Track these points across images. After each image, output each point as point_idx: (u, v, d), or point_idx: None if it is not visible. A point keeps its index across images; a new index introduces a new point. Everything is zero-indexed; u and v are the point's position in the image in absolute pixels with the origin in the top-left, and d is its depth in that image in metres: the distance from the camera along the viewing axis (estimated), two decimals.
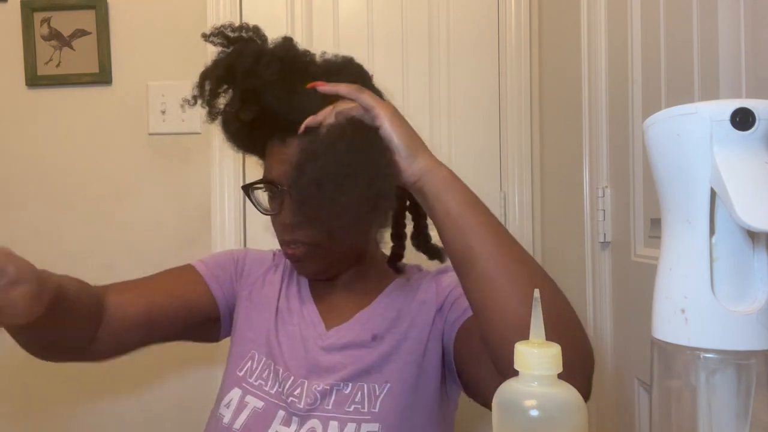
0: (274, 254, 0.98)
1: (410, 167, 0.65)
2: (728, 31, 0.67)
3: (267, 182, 0.82)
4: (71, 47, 1.55)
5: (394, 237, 0.88)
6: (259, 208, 0.86)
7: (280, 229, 0.83)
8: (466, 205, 0.63)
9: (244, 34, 0.80)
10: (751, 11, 0.64)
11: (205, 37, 0.80)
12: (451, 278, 0.85)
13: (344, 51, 0.88)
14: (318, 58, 0.85)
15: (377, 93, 0.85)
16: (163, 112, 1.51)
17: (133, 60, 1.54)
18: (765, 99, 0.36)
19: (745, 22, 0.65)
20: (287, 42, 0.81)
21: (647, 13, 0.90)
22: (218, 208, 1.49)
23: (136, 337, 0.82)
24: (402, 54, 1.50)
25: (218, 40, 0.80)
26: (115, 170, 1.56)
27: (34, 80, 1.55)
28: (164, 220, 1.55)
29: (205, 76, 0.80)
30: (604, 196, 1.06)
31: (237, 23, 0.82)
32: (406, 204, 0.85)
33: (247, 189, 0.85)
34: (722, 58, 0.68)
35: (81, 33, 1.55)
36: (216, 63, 0.79)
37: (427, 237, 0.86)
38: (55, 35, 1.55)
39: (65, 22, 1.54)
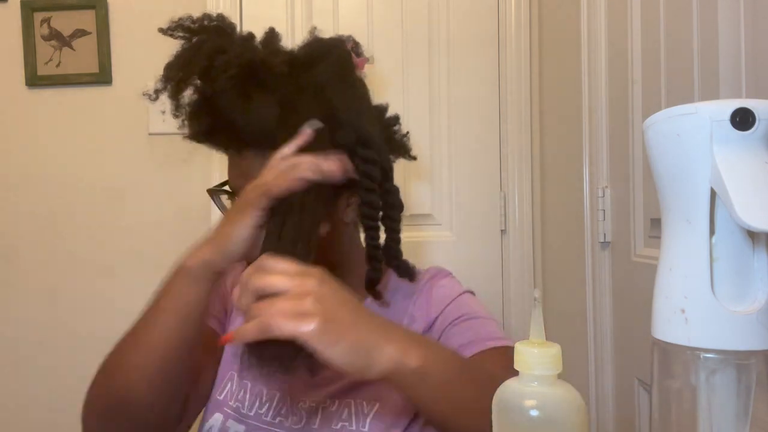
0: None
1: (368, 375, 0.52)
2: (728, 31, 0.67)
3: (228, 192, 0.77)
4: (71, 47, 1.55)
5: (369, 258, 0.75)
6: (223, 212, 0.80)
7: None
8: (442, 392, 0.55)
9: (206, 23, 0.74)
10: (751, 11, 0.64)
11: (163, 31, 0.74)
12: (443, 292, 0.79)
13: None
14: (308, 35, 0.78)
15: (362, 86, 0.77)
16: (163, 112, 1.50)
17: (133, 60, 1.54)
18: (765, 99, 0.36)
19: (745, 22, 0.65)
20: (248, 41, 0.74)
21: (647, 13, 0.90)
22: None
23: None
24: (402, 54, 1.50)
25: (179, 33, 0.74)
26: (115, 170, 1.56)
27: (34, 80, 1.55)
28: (164, 220, 1.55)
29: (167, 69, 0.74)
30: (604, 196, 1.06)
31: (197, 15, 0.75)
32: (379, 216, 0.75)
33: (213, 193, 0.80)
34: (722, 58, 0.68)
35: (81, 33, 1.55)
36: (177, 56, 0.74)
37: (398, 252, 0.77)
38: (55, 35, 1.55)
39: (65, 22, 1.54)
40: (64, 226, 1.57)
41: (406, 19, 1.50)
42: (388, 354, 0.52)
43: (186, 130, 0.77)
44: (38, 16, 1.54)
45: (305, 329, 0.49)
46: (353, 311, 0.53)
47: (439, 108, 1.50)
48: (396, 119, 0.89)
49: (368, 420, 0.73)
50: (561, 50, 1.31)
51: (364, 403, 0.74)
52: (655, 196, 0.41)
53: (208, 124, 0.73)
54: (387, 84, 1.48)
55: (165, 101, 0.76)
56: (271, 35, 0.76)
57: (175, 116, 0.76)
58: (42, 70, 1.55)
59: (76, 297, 1.56)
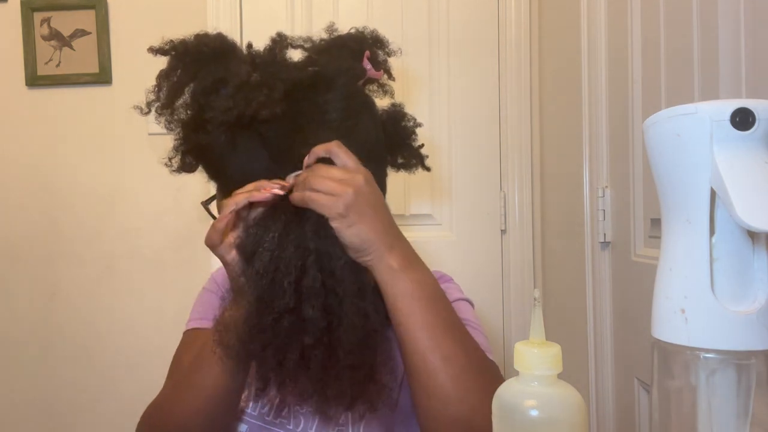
0: None
1: (360, 259, 0.61)
2: (728, 31, 0.67)
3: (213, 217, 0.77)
4: (71, 47, 1.55)
5: None
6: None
7: None
8: (417, 314, 0.60)
9: (204, 48, 0.71)
10: (751, 11, 0.64)
11: (154, 51, 0.72)
12: None
13: None
14: (325, 33, 0.77)
15: (363, 112, 0.75)
16: None
17: (133, 60, 1.54)
18: (765, 99, 0.36)
19: (745, 22, 0.65)
20: (244, 86, 0.66)
21: (647, 13, 0.90)
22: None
23: None
24: (402, 54, 1.50)
25: (173, 54, 0.72)
26: (115, 170, 1.56)
27: (34, 80, 1.55)
28: (164, 220, 1.55)
29: (160, 89, 0.73)
30: (604, 196, 1.06)
31: (193, 35, 0.72)
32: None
33: (205, 205, 0.80)
34: (722, 58, 0.68)
35: (81, 33, 1.55)
36: (171, 82, 0.72)
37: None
38: (55, 35, 1.55)
39: (65, 22, 1.54)
40: (64, 226, 1.57)
41: (406, 19, 1.50)
42: (386, 261, 0.61)
43: (173, 165, 0.78)
44: (38, 16, 1.54)
45: (331, 210, 0.59)
46: (378, 211, 0.62)
47: (439, 108, 1.50)
48: (410, 131, 0.87)
49: (363, 423, 0.74)
50: (561, 50, 1.31)
51: (360, 407, 0.75)
52: (655, 196, 0.41)
53: (195, 165, 0.76)
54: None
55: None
56: (273, 52, 0.72)
57: (169, 130, 0.76)
58: (42, 70, 1.55)
59: (76, 297, 1.56)
